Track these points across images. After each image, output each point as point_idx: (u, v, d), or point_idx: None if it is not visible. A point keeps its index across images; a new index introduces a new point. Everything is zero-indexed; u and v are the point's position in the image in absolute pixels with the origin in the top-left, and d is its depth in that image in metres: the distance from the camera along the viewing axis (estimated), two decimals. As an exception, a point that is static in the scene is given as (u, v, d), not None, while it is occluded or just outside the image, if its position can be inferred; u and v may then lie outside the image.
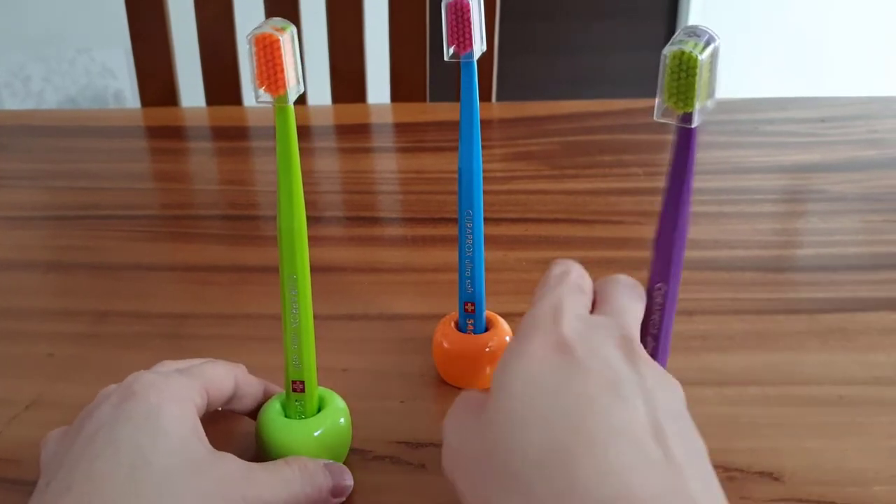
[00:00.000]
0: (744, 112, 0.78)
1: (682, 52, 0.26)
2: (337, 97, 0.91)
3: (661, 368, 0.30)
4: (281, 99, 0.30)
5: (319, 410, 0.36)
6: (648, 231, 0.59)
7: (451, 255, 0.54)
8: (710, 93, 0.27)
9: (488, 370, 0.41)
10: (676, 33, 0.27)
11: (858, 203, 0.60)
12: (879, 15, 2.05)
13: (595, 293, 0.34)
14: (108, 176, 0.70)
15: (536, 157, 0.70)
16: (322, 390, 0.36)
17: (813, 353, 0.43)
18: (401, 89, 0.90)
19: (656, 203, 0.61)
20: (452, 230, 0.58)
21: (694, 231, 0.56)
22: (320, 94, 0.84)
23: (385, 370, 0.43)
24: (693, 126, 0.27)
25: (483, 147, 0.38)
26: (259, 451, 0.35)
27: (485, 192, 0.39)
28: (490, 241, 0.48)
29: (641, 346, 0.30)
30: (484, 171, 0.38)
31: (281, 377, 0.35)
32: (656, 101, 0.27)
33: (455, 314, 0.42)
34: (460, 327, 0.42)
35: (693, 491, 0.25)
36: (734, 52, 1.91)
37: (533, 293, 0.33)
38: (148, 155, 0.77)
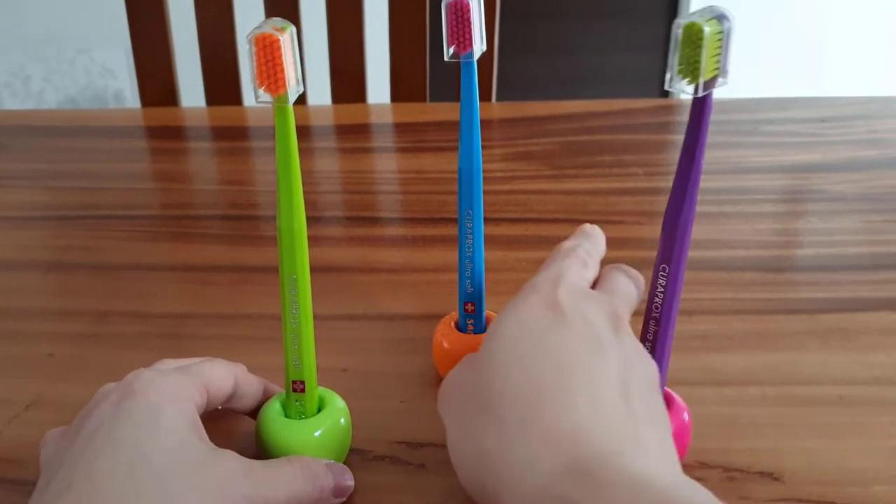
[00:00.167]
0: (744, 112, 0.78)
1: (692, 24, 0.27)
2: (337, 97, 0.91)
3: (641, 347, 0.32)
4: (281, 99, 0.30)
5: (319, 410, 0.36)
6: (648, 231, 0.59)
7: (451, 255, 0.54)
8: (721, 69, 0.28)
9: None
10: (695, 10, 0.28)
11: (858, 203, 0.60)
12: (879, 15, 2.05)
13: (599, 275, 0.36)
14: (108, 176, 0.70)
15: (536, 157, 0.70)
16: (322, 390, 0.36)
17: (813, 353, 0.43)
18: (401, 89, 0.90)
19: (656, 203, 0.61)
20: (452, 230, 0.58)
21: (694, 231, 0.56)
22: (320, 94, 0.84)
23: (385, 370, 0.43)
24: (696, 96, 0.28)
25: (483, 147, 0.38)
26: (259, 451, 0.35)
27: (485, 192, 0.39)
28: (490, 241, 0.48)
29: (629, 326, 0.32)
30: (484, 171, 0.38)
31: (281, 377, 0.35)
32: (668, 71, 0.28)
33: (455, 314, 0.42)
34: (460, 327, 0.42)
35: (646, 440, 0.28)
36: (735, 52, 1.91)
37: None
38: (148, 155, 0.77)
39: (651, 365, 0.32)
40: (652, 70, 2.15)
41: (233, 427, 0.38)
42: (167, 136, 0.81)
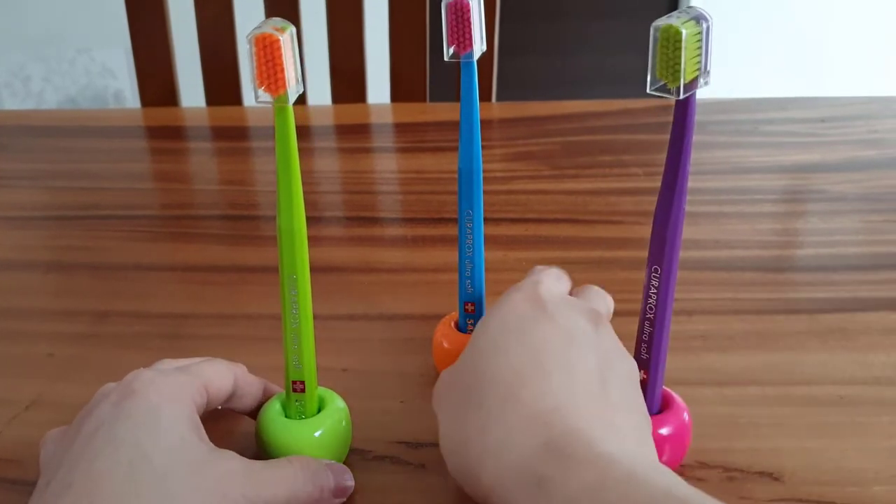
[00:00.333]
0: (744, 112, 0.78)
1: (670, 27, 0.27)
2: (337, 97, 0.91)
3: (620, 344, 0.34)
4: (281, 99, 0.30)
5: (319, 411, 0.36)
6: (648, 231, 0.58)
7: (451, 255, 0.54)
8: (702, 69, 0.28)
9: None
10: (671, 12, 0.28)
11: (858, 203, 0.60)
12: (879, 15, 2.05)
13: (572, 292, 0.38)
14: (108, 176, 0.70)
15: (536, 157, 0.70)
16: (322, 390, 0.36)
17: (813, 353, 0.43)
18: (401, 89, 0.90)
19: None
20: (452, 230, 0.58)
21: (694, 231, 0.56)
22: (320, 94, 0.84)
23: (385, 370, 0.43)
24: (678, 98, 0.28)
25: (483, 147, 0.38)
26: (259, 451, 0.35)
27: (485, 192, 0.39)
28: (490, 241, 0.48)
29: (609, 325, 0.34)
30: (484, 171, 0.38)
31: (281, 377, 0.35)
32: (648, 75, 0.28)
33: (455, 314, 0.42)
34: (460, 327, 0.42)
35: (620, 424, 0.29)
36: (735, 52, 1.92)
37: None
38: (148, 155, 0.77)
39: (629, 361, 0.33)
40: (652, 70, 2.14)
41: (233, 427, 0.38)
42: (167, 136, 0.81)
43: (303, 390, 0.35)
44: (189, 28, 0.89)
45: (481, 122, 0.38)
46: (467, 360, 0.33)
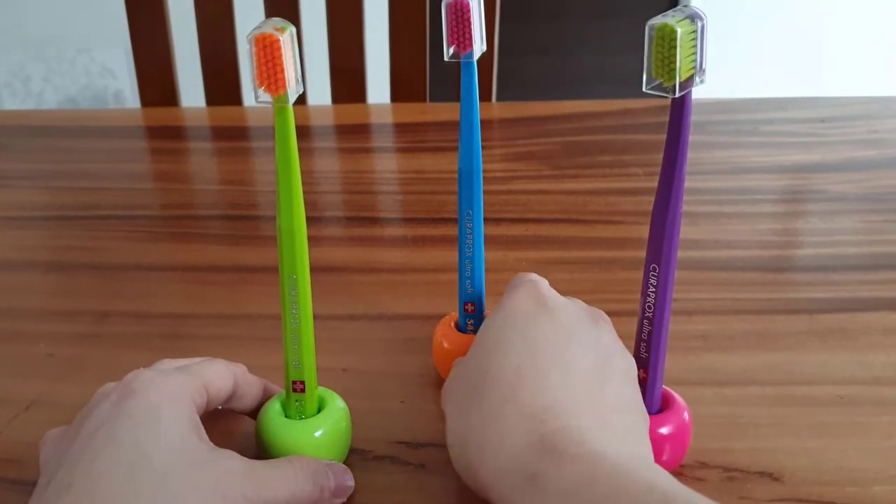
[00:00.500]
0: (744, 112, 0.78)
1: (665, 25, 0.27)
2: (337, 97, 0.91)
3: (620, 342, 0.35)
4: (281, 99, 0.30)
5: (319, 411, 0.36)
6: (648, 231, 0.58)
7: (451, 255, 0.54)
8: (697, 67, 0.28)
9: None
10: (666, 11, 0.28)
11: (858, 203, 0.60)
12: (879, 15, 2.05)
13: None
14: (108, 176, 0.70)
15: (536, 157, 0.70)
16: (322, 390, 0.36)
17: (813, 353, 0.43)
18: (401, 89, 0.90)
19: (656, 203, 0.61)
20: (452, 230, 0.58)
21: (694, 231, 0.56)
22: (320, 94, 0.84)
23: (385, 370, 0.43)
24: (674, 97, 0.28)
25: (483, 147, 0.38)
26: (259, 451, 0.35)
27: (485, 192, 0.39)
28: (490, 241, 0.48)
29: (609, 322, 0.35)
30: (484, 171, 0.38)
31: (281, 377, 0.35)
32: (644, 73, 0.28)
33: (455, 314, 0.42)
34: (460, 327, 0.42)
35: (614, 422, 0.30)
36: (735, 52, 1.92)
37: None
38: (148, 155, 0.77)
39: (628, 359, 0.34)
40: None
41: (233, 427, 0.38)
42: (167, 136, 0.81)
43: (303, 390, 0.35)
44: (189, 28, 0.89)
45: (481, 122, 0.38)
46: (473, 356, 0.34)
